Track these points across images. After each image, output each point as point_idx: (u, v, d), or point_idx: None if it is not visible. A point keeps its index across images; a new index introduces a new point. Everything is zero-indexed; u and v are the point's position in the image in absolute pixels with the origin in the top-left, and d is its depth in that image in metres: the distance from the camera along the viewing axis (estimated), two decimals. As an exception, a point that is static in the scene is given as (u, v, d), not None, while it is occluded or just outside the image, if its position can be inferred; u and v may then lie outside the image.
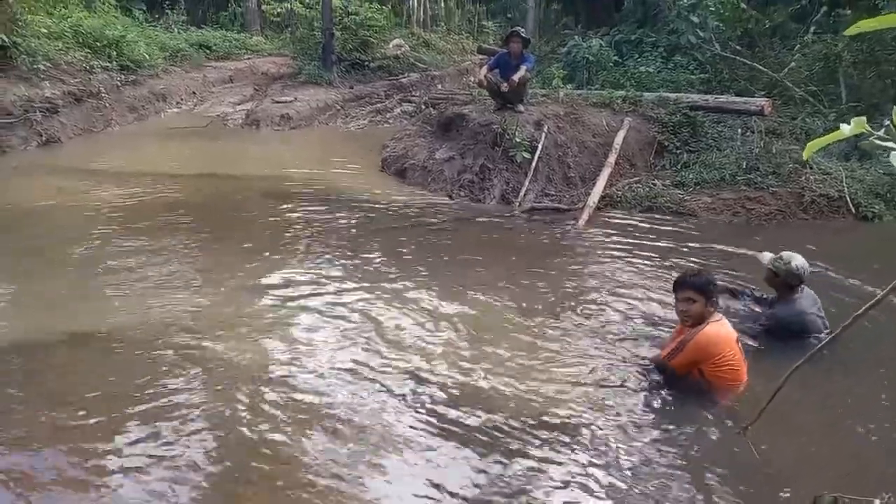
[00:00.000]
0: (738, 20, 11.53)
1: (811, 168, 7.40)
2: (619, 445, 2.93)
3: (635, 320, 4.26)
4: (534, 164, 7.57)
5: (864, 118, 0.95)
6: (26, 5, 10.38)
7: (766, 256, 4.07)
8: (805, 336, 3.83)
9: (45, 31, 10.92)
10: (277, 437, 2.90)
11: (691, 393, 3.31)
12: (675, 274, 4.77)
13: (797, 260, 3.93)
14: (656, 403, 3.28)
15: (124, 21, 13.97)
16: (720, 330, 3.31)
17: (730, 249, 5.80)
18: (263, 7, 20.26)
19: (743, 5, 11.46)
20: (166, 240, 5.59)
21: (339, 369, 3.50)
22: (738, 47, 11.36)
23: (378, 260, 5.30)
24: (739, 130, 8.65)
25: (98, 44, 11.80)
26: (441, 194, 7.69)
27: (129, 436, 2.84)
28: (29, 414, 2.97)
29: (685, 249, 5.83)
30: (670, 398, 3.31)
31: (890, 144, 0.94)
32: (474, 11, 28.43)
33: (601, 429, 3.05)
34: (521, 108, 8.17)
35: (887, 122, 0.95)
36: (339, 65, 15.32)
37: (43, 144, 9.65)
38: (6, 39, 9.57)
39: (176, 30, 16.52)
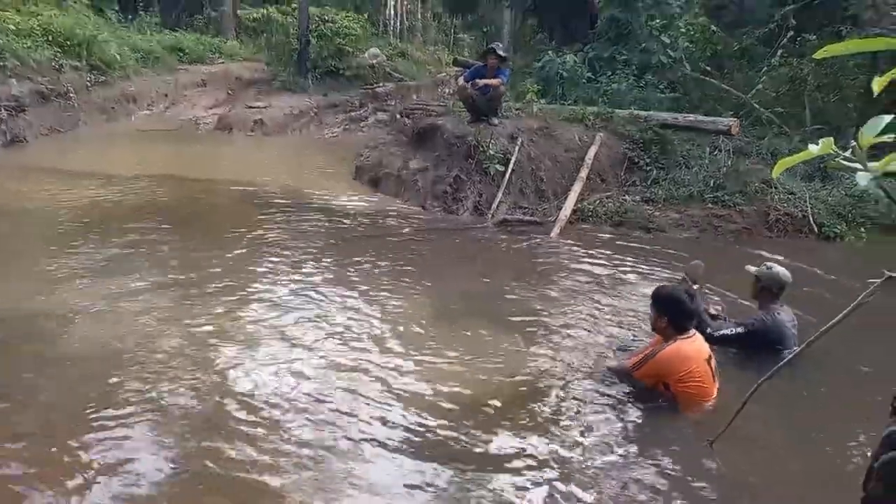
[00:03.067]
0: (708, 42, 11.82)
1: (776, 188, 7.60)
2: (583, 457, 2.95)
3: (614, 335, 4.30)
4: (507, 176, 7.63)
5: (831, 139, 0.99)
6: (-7, 1, 10.16)
7: (752, 268, 4.25)
8: (778, 348, 3.94)
9: (14, 28, 10.69)
10: (242, 444, 2.85)
11: (657, 406, 3.35)
12: (642, 288, 4.86)
13: (779, 268, 4.16)
14: (621, 416, 3.30)
15: (96, 21, 13.74)
16: (688, 347, 3.37)
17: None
18: (239, 12, 20.13)
19: (713, 27, 11.75)
20: (136, 245, 5.49)
21: (302, 377, 3.46)
22: (707, 68, 11.62)
23: (349, 269, 5.28)
24: (707, 149, 8.84)
25: (68, 43, 11.59)
26: (414, 204, 7.71)
27: (97, 441, 2.77)
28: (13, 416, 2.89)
29: (652, 264, 5.92)
30: (636, 411, 3.34)
31: (856, 165, 0.98)
32: (450, 24, 28.68)
33: (565, 440, 3.06)
34: (495, 121, 8.24)
35: (853, 144, 0.99)
36: (314, 72, 15.28)
37: (8, 143, 9.43)
38: (-28, 35, 9.35)
39: (149, 32, 16.29)
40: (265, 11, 18.65)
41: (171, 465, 2.69)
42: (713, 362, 3.43)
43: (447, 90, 16.45)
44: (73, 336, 3.77)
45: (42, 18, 11.68)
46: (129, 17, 16.86)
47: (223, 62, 16.73)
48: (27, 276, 4.67)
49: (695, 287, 4.15)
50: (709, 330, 3.97)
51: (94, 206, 6.59)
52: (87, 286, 4.49)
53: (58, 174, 7.93)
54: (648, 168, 8.49)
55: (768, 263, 4.21)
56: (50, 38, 11.36)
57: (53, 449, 2.73)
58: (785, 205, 7.38)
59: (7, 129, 9.48)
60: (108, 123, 12.01)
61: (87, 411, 3.00)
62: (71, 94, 11.10)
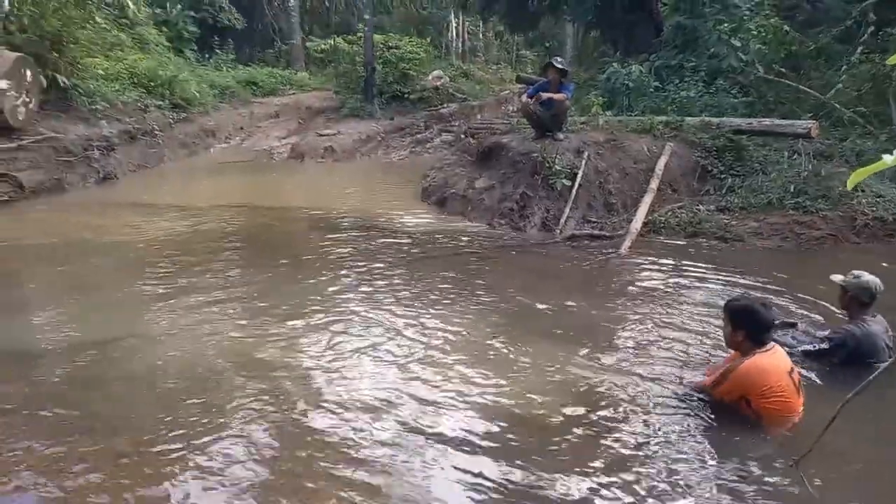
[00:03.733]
0: (781, 43, 11.38)
1: (863, 191, 7.19)
2: (664, 477, 2.85)
3: (690, 352, 4.17)
4: (574, 191, 7.55)
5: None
6: (85, 49, 10.95)
7: (838, 277, 3.99)
8: (870, 361, 3.70)
9: (102, 72, 11.50)
10: (319, 458, 2.92)
11: (740, 423, 3.21)
12: (720, 300, 4.69)
13: (868, 276, 3.86)
14: (703, 434, 3.18)
15: (176, 62, 14.61)
16: (767, 361, 3.21)
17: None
18: (308, 44, 20.94)
19: (786, 28, 11.31)
20: (219, 272, 5.74)
21: (379, 398, 3.51)
22: (782, 70, 11.18)
23: (420, 289, 5.34)
24: (786, 153, 8.48)
25: (152, 84, 12.39)
26: (481, 223, 7.73)
27: (185, 462, 2.91)
28: (88, 440, 3.07)
29: (731, 276, 5.70)
30: (718, 428, 3.22)
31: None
32: (512, 41, 28.82)
33: (645, 459, 2.98)
34: (560, 135, 8.19)
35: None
36: (381, 97, 15.68)
37: (101, 181, 10.09)
38: (67, 82, 10.10)
39: (224, 68, 17.18)
40: (332, 42, 19.32)
41: (253, 480, 2.79)
42: (796, 375, 3.26)
43: (511, 108, 16.52)
44: (156, 360, 3.95)
45: (128, 62, 12.53)
46: (207, 55, 17.83)
47: (294, 93, 17.45)
48: (114, 303, 4.97)
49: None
50: (785, 349, 3.77)
51: (177, 237, 6.95)
52: (170, 312, 4.72)
53: (145, 208, 8.43)
54: (723, 176, 8.22)
55: (856, 272, 3.93)
56: (135, 80, 12.19)
57: (144, 467, 2.88)
58: (873, 209, 6.96)
59: (99, 167, 10.16)
60: (189, 158, 12.69)
61: (174, 431, 3.14)
62: (156, 132, 11.82)
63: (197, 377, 3.73)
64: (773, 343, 3.30)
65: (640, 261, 6.27)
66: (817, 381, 3.67)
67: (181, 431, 3.14)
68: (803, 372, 3.59)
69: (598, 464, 2.94)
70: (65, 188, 9.43)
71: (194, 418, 3.26)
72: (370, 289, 5.32)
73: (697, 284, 5.50)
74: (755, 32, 10.88)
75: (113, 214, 8.07)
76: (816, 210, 7.08)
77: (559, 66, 8.19)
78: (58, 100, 10.16)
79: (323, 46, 19.97)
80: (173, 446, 3.02)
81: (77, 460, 2.91)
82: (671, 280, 5.63)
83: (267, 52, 21.48)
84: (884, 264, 5.56)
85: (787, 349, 3.63)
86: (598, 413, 3.38)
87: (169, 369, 3.84)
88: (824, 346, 3.85)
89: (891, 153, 1.32)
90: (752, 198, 7.54)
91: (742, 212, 7.38)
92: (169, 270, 5.77)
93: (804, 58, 11.60)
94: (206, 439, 3.08)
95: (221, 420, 3.25)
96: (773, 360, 3.22)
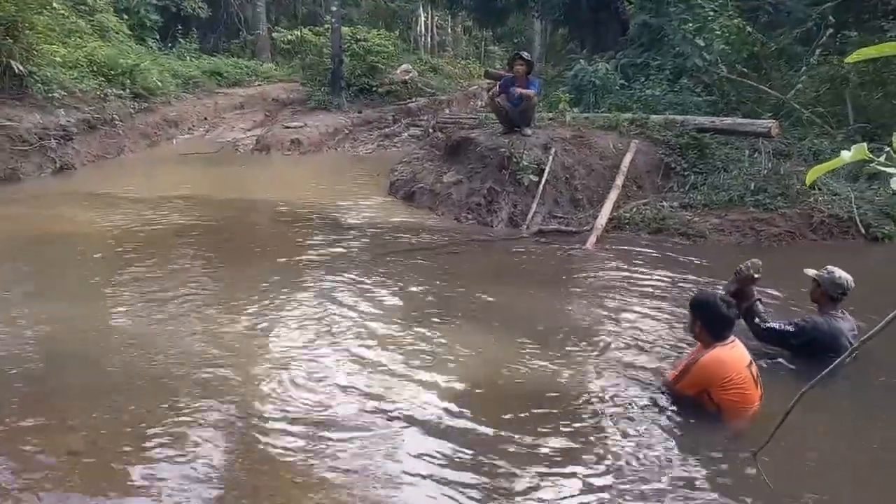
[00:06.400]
0: (744, 43, 11.61)
1: (819, 189, 7.39)
2: (625, 470, 2.89)
3: (653, 345, 4.23)
4: (541, 186, 7.60)
5: (864, 145, 0.97)
6: (42, 36, 10.60)
7: (812, 271, 4.11)
8: (832, 356, 3.78)
9: (60, 60, 11.13)
10: (287, 459, 2.89)
11: (701, 416, 3.28)
12: (683, 296, 4.78)
13: (840, 272, 3.98)
14: (665, 427, 3.24)
15: (138, 50, 14.23)
16: (726, 354, 3.31)
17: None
18: (274, 35, 20.63)
19: (748, 28, 11.53)
20: (177, 265, 5.64)
21: (346, 395, 3.49)
22: (744, 70, 11.41)
23: (387, 284, 5.32)
24: (747, 152, 8.66)
25: (112, 72, 12.04)
26: (449, 217, 7.73)
27: (141, 460, 2.84)
28: (41, 439, 2.98)
29: (694, 271, 5.81)
30: (679, 422, 3.28)
31: (891, 170, 0.96)
32: (481, 37, 28.85)
33: (606, 452, 3.02)
34: (528, 131, 8.23)
35: (887, 149, 0.97)
36: (348, 90, 15.53)
37: (57, 171, 9.80)
38: (22, 69, 9.77)
39: (188, 58, 16.81)
40: (299, 33, 19.06)
41: (215, 474, 2.74)
42: (754, 368, 3.36)
43: (479, 103, 16.54)
44: (116, 355, 3.87)
45: (87, 50, 12.16)
46: (170, 44, 17.42)
47: (260, 84, 17.16)
48: (73, 297, 4.83)
49: (756, 277, 4.04)
50: (757, 319, 3.95)
51: (137, 230, 6.78)
52: (125, 306, 4.62)
53: (102, 199, 8.21)
54: (686, 173, 8.35)
55: (830, 267, 4.03)
56: (95, 68, 11.83)
57: (102, 465, 2.81)
58: (829, 207, 7.16)
59: (56, 157, 9.86)
60: (151, 148, 12.40)
61: (132, 428, 3.08)
62: (116, 122, 11.51)
63: (151, 372, 3.65)
64: (733, 338, 3.38)
65: (605, 256, 6.35)
66: (782, 375, 3.76)
67: (137, 428, 3.08)
68: (768, 367, 3.69)
69: (557, 457, 2.97)
70: (20, 178, 9.15)
71: (150, 414, 3.20)
72: (333, 283, 5.28)
73: (660, 279, 5.58)
74: (719, 32, 11.07)
75: (69, 205, 7.84)
76: (775, 208, 7.25)
77: (526, 56, 8.30)
78: (13, 87, 9.82)
79: (289, 37, 19.68)
80: (129, 444, 2.95)
81: (30, 457, 2.83)
82: (635, 275, 5.71)
83: (232, 43, 21.09)
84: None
85: (756, 321, 3.76)
86: (558, 406, 3.41)
87: (123, 365, 3.75)
88: (789, 328, 3.94)
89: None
90: (714, 195, 7.68)
91: (704, 209, 7.51)
92: (124, 263, 5.62)
93: (766, 58, 11.84)
94: (161, 435, 3.03)
95: (177, 417, 3.19)
96: (732, 354, 3.32)
